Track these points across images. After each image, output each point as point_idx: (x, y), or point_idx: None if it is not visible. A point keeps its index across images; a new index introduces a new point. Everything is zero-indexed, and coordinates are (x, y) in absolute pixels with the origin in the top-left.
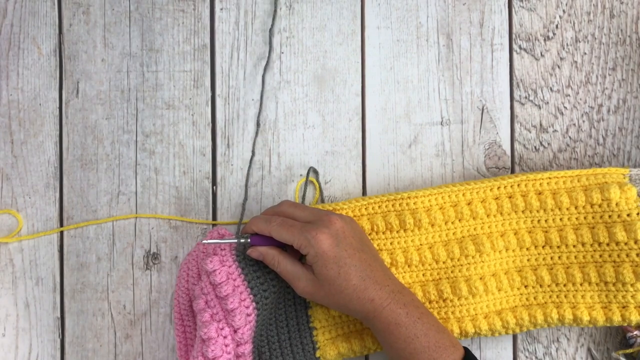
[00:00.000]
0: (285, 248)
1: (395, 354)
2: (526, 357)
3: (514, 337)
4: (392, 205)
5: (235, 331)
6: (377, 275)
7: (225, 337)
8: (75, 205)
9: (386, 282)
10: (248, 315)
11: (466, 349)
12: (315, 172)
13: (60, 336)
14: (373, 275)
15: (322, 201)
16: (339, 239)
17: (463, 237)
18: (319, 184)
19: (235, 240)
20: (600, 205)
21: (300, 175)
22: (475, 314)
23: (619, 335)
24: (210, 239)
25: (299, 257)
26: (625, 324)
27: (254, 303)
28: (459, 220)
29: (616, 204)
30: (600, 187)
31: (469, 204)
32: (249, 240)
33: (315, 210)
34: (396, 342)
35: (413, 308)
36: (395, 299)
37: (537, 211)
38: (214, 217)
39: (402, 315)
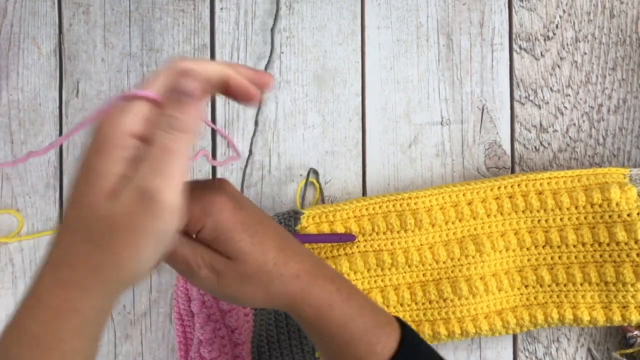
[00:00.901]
0: None
1: (328, 345)
2: (526, 357)
3: (514, 337)
4: (393, 206)
5: (232, 332)
6: (293, 244)
7: (222, 338)
8: None
9: (305, 252)
10: (245, 315)
11: (401, 323)
12: (316, 172)
13: None
14: (290, 245)
15: (323, 202)
16: (240, 202)
17: (463, 237)
18: (320, 184)
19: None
20: (600, 205)
21: (300, 175)
22: (476, 314)
23: (619, 335)
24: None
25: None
26: (626, 324)
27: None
28: (460, 220)
29: (616, 204)
30: (600, 187)
31: (469, 204)
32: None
33: (201, 181)
34: (329, 329)
35: (342, 282)
36: (322, 273)
37: (538, 211)
38: None
39: (334, 293)
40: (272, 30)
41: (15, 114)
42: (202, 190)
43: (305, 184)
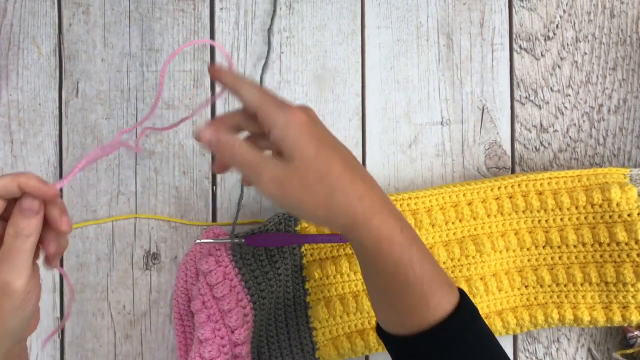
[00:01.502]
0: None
1: (380, 284)
2: (526, 357)
3: (514, 337)
4: None
5: (232, 332)
6: (363, 172)
7: (222, 338)
8: (75, 205)
9: (375, 184)
10: (245, 315)
11: (462, 292)
12: None
13: (60, 336)
14: (359, 170)
15: None
16: (314, 119)
17: (463, 237)
18: None
19: (229, 240)
20: (600, 206)
21: None
22: None
23: (619, 336)
24: (206, 238)
25: None
26: (626, 324)
27: (251, 303)
28: (460, 220)
29: (617, 204)
30: (600, 187)
31: (469, 204)
32: (243, 240)
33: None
34: (385, 266)
35: (406, 225)
36: (388, 208)
37: (538, 211)
38: (214, 217)
39: (397, 230)
40: (272, 30)
41: (15, 114)
42: (281, 102)
43: None
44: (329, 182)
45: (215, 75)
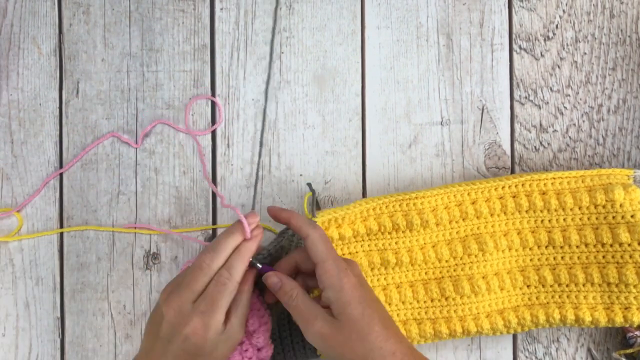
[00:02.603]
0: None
1: None
2: (526, 357)
3: (514, 337)
4: (399, 206)
5: (251, 335)
6: (395, 328)
7: (250, 359)
8: (75, 205)
9: (403, 337)
10: (261, 317)
11: None
12: (310, 185)
13: (60, 336)
14: (393, 327)
15: (319, 208)
16: (362, 281)
17: (466, 236)
18: (315, 196)
19: (260, 266)
20: (604, 206)
21: (301, 175)
22: (478, 313)
23: (619, 336)
24: None
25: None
26: (628, 325)
27: (268, 310)
28: (463, 219)
29: (620, 205)
30: (604, 188)
31: (473, 203)
32: (258, 265)
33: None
34: None
35: None
36: (415, 356)
37: (541, 211)
38: (214, 217)
39: None
40: (273, 30)
41: (15, 114)
42: (339, 262)
43: (313, 197)
44: (369, 341)
45: (277, 216)
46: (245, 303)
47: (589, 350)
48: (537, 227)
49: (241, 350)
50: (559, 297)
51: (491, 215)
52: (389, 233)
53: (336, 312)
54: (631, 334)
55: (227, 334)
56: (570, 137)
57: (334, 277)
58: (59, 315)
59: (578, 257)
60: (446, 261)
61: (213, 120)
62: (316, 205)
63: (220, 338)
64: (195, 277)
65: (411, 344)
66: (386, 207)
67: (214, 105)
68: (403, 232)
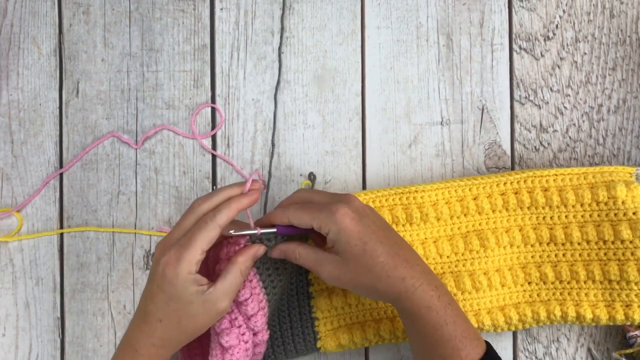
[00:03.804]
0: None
1: (421, 341)
2: (526, 357)
3: (514, 337)
4: (399, 199)
5: (249, 319)
6: (405, 253)
7: (246, 342)
8: (75, 205)
9: (416, 261)
10: (260, 302)
11: (488, 344)
12: (314, 175)
13: (60, 336)
14: (402, 253)
15: None
16: (361, 215)
17: (468, 232)
18: (313, 183)
19: (261, 231)
20: (606, 203)
21: (301, 175)
22: (479, 309)
23: (619, 335)
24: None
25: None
26: (629, 323)
27: (266, 295)
28: (465, 215)
29: (622, 202)
30: (606, 185)
31: (475, 198)
32: (274, 230)
33: (332, 193)
34: (424, 327)
35: (443, 292)
36: (427, 280)
37: (543, 208)
38: None
39: (434, 298)
40: (273, 31)
41: (15, 114)
42: (334, 202)
43: (313, 186)
44: (375, 272)
45: (268, 221)
46: (235, 274)
47: (589, 350)
48: (538, 223)
49: (231, 319)
50: (560, 294)
51: (493, 211)
52: None
53: (339, 251)
54: (631, 334)
55: (207, 296)
56: (570, 137)
57: (327, 225)
58: (59, 315)
59: (579, 254)
60: (447, 257)
61: (213, 121)
62: None
63: (196, 290)
64: (185, 216)
65: (424, 265)
66: (386, 200)
67: (213, 109)
68: (403, 225)
